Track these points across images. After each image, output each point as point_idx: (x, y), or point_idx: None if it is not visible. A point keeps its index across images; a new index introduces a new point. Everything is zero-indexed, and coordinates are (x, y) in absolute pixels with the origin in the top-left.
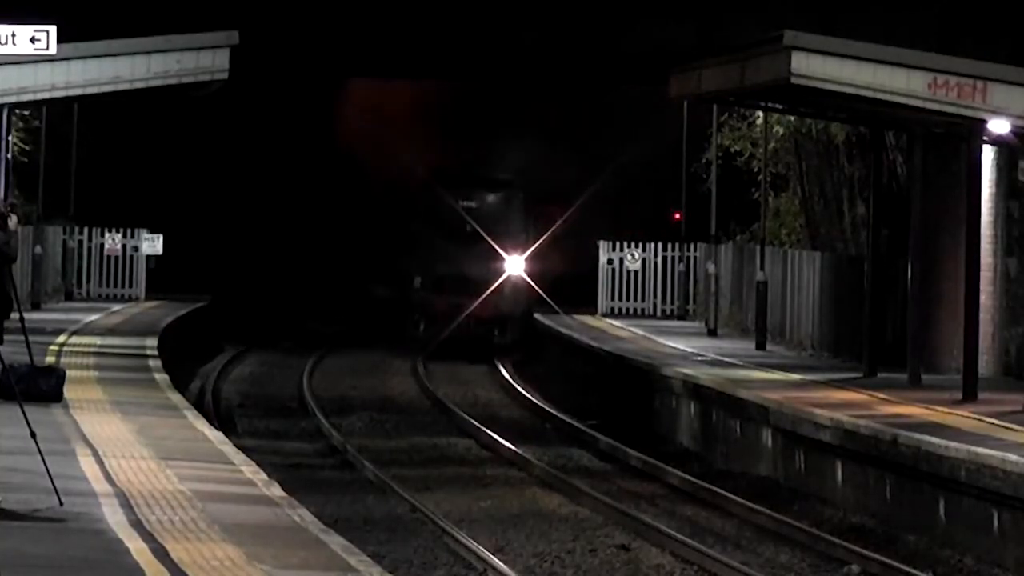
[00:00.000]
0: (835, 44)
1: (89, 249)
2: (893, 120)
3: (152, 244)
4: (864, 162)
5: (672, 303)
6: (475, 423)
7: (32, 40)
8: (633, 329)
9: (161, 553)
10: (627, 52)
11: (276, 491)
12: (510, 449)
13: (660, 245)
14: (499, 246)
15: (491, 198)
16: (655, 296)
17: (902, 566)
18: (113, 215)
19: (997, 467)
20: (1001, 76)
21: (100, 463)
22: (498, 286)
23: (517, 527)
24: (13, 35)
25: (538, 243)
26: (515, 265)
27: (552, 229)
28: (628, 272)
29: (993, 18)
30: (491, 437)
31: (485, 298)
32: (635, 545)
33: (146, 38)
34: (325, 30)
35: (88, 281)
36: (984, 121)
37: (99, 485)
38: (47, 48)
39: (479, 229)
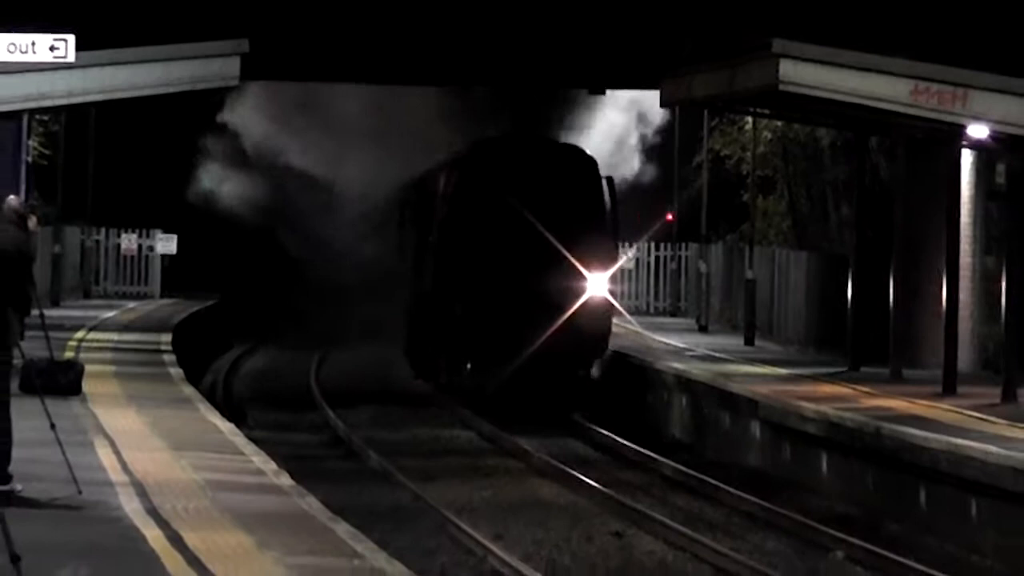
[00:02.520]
0: (822, 52)
1: (106, 249)
2: (877, 125)
3: (166, 244)
4: (849, 165)
5: (664, 300)
6: (475, 415)
7: (51, 48)
8: (626, 325)
9: (176, 540)
10: (624, 57)
11: (285, 480)
12: (510, 440)
13: (653, 244)
14: (576, 257)
15: (564, 187)
16: (648, 294)
17: (885, 552)
18: (129, 216)
19: (976, 458)
20: (981, 83)
21: (117, 453)
22: (575, 313)
23: (516, 515)
24: (33, 44)
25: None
26: (598, 283)
27: (648, 235)
28: (622, 270)
29: (975, 25)
30: (492, 429)
31: (557, 329)
32: (629, 532)
33: (160, 47)
34: (330, 38)
35: (105, 279)
36: (964, 126)
37: (116, 475)
38: (66, 56)
39: (547, 234)
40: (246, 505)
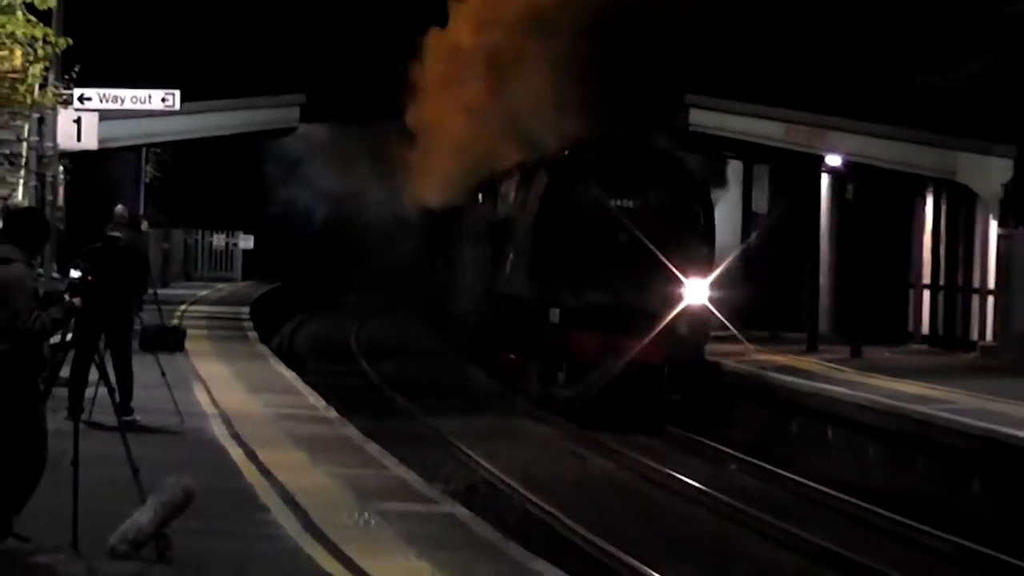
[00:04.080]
0: (720, 103)
1: (202, 245)
2: (760, 155)
3: (246, 241)
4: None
5: None
6: (468, 364)
7: (163, 100)
8: None
9: (252, 456)
10: None
11: (332, 413)
12: (500, 386)
13: None
14: (674, 263)
15: (663, 193)
16: None
17: (767, 465)
18: (219, 221)
19: (830, 397)
20: (836, 125)
21: (209, 393)
22: (672, 320)
23: (503, 441)
24: (150, 96)
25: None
26: (697, 291)
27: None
28: None
29: (834, 79)
30: (486, 378)
31: (655, 337)
32: (587, 455)
33: (240, 99)
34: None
35: (201, 267)
36: (823, 157)
37: (209, 408)
38: (173, 105)
39: (645, 240)
40: (303, 431)
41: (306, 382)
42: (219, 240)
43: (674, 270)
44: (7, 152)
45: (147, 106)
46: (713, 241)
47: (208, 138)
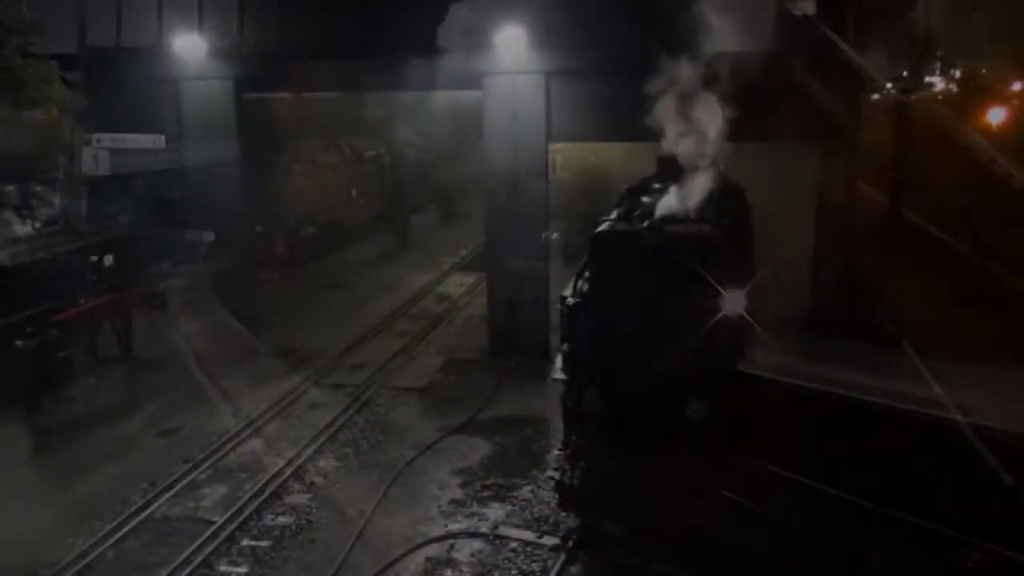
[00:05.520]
0: None
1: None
2: None
3: (208, 235)
4: None
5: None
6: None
7: (152, 142)
8: None
9: (215, 379)
10: None
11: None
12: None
13: None
14: (708, 271)
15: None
16: None
17: None
18: (191, 220)
19: None
20: None
21: (186, 338)
22: (708, 333)
23: (395, 360)
24: (143, 140)
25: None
26: (735, 301)
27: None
28: None
29: None
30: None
31: (688, 351)
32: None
33: (199, 142)
34: None
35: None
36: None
37: (185, 347)
38: (160, 146)
39: (675, 244)
40: (251, 366)
41: (251, 331)
42: (192, 234)
43: (708, 278)
44: (49, 176)
45: (142, 146)
46: (751, 245)
47: (185, 167)
